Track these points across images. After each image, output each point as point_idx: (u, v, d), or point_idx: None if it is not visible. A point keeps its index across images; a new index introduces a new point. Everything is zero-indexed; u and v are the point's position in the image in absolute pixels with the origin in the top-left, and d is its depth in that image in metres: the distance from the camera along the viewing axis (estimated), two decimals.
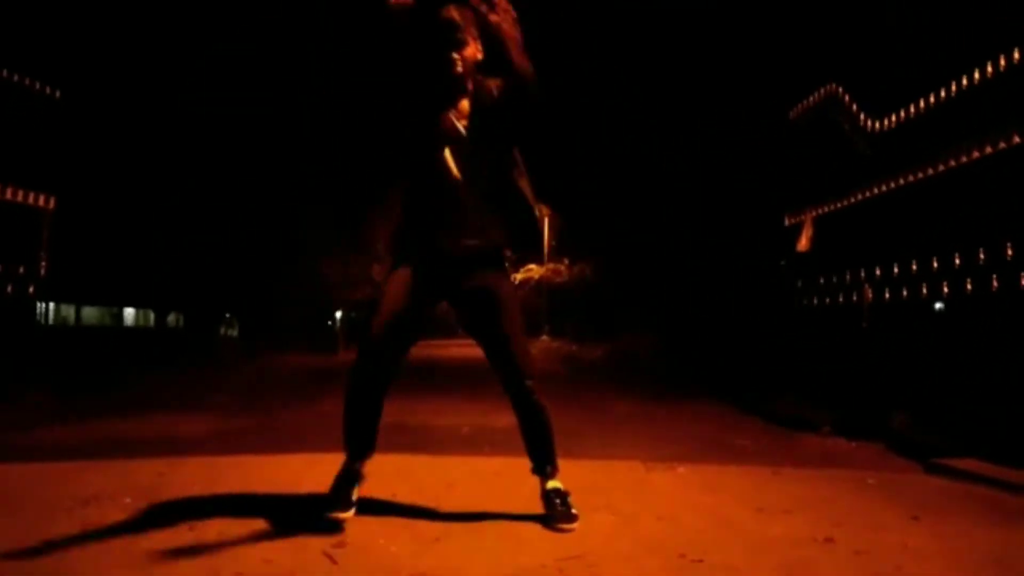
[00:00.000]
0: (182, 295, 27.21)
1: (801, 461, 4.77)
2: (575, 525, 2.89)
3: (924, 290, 6.65)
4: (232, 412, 7.01)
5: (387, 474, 3.62)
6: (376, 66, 2.96)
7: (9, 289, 9.25)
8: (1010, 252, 5.52)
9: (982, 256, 5.84)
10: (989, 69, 5.82)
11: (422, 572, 2.40)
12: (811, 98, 9.22)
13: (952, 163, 6.24)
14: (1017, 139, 5.45)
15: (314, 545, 2.62)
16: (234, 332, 27.51)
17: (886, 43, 7.54)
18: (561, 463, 3.14)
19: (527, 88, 2.91)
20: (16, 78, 9.29)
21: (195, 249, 24.28)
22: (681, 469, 4.23)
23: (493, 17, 2.86)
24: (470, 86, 2.99)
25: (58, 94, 9.96)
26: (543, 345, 28.49)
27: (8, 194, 9.14)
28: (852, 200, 8.08)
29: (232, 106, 21.90)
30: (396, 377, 2.99)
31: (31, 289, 9.69)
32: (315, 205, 24.21)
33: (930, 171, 6.58)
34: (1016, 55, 5.54)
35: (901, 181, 7.07)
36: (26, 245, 9.55)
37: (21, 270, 9.47)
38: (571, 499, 3.00)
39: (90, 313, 32.81)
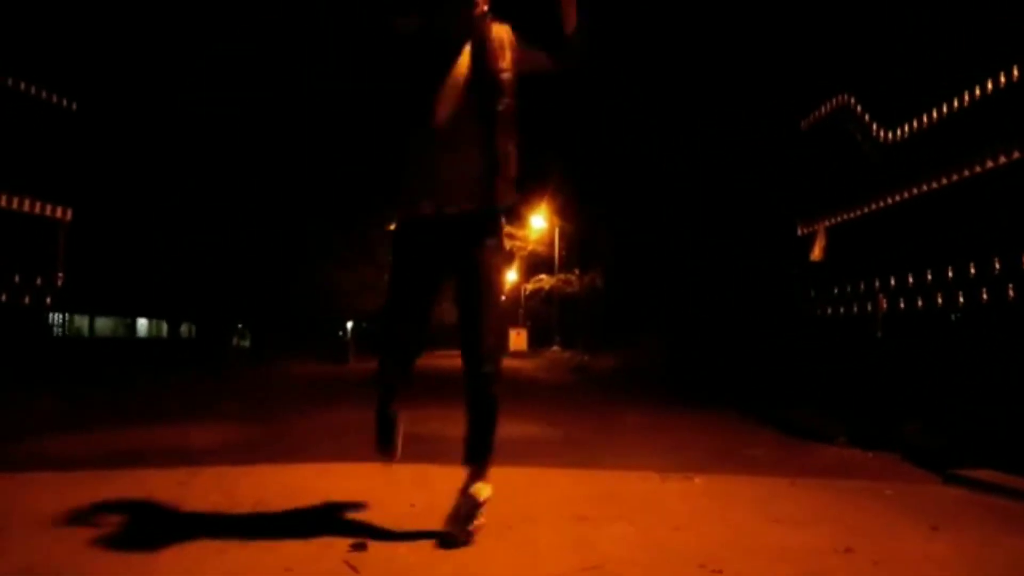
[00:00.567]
0: (194, 305, 27.32)
1: (817, 472, 4.75)
2: (464, 541, 2.72)
3: (939, 300, 6.62)
4: (244, 421, 7.03)
5: (404, 483, 3.63)
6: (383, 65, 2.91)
7: (27, 300, 9.33)
8: None
9: (997, 265, 5.82)
10: (1002, 79, 5.82)
11: None
12: (823, 108, 9.22)
13: (966, 173, 6.23)
14: None
15: (333, 554, 2.62)
16: (246, 342, 27.61)
17: (897, 53, 7.54)
18: (576, 473, 3.14)
19: (570, 51, 2.81)
20: (33, 90, 9.39)
21: (207, 259, 24.40)
22: (697, 479, 4.22)
23: None
24: (484, 31, 2.86)
25: (74, 106, 10.07)
26: (554, 356, 28.47)
27: (27, 206, 9.23)
28: (865, 210, 8.06)
29: (240, 113, 22.03)
30: (421, 349, 3.02)
31: (48, 300, 9.77)
32: (325, 216, 24.32)
33: (944, 181, 6.56)
34: None
35: (915, 191, 7.05)
36: (43, 256, 9.63)
37: (38, 281, 9.55)
38: (480, 520, 2.81)
39: (103, 323, 33.02)
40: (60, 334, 15.03)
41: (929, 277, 6.80)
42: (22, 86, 9.20)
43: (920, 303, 6.95)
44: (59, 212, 9.80)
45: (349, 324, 28.73)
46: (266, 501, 3.46)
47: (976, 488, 4.08)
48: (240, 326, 29.23)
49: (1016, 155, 5.60)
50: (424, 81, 2.85)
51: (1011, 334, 5.67)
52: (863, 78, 8.33)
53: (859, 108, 8.28)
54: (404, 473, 3.74)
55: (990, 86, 5.98)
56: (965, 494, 4.02)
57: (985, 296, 5.97)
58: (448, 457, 4.96)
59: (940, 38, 6.80)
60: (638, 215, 21.91)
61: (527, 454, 4.74)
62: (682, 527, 3.12)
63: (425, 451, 5.07)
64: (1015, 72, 5.69)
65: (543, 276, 33.26)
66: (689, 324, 17.44)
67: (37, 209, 9.42)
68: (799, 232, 9.82)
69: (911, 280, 7.10)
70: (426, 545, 2.77)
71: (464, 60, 2.85)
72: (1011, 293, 5.66)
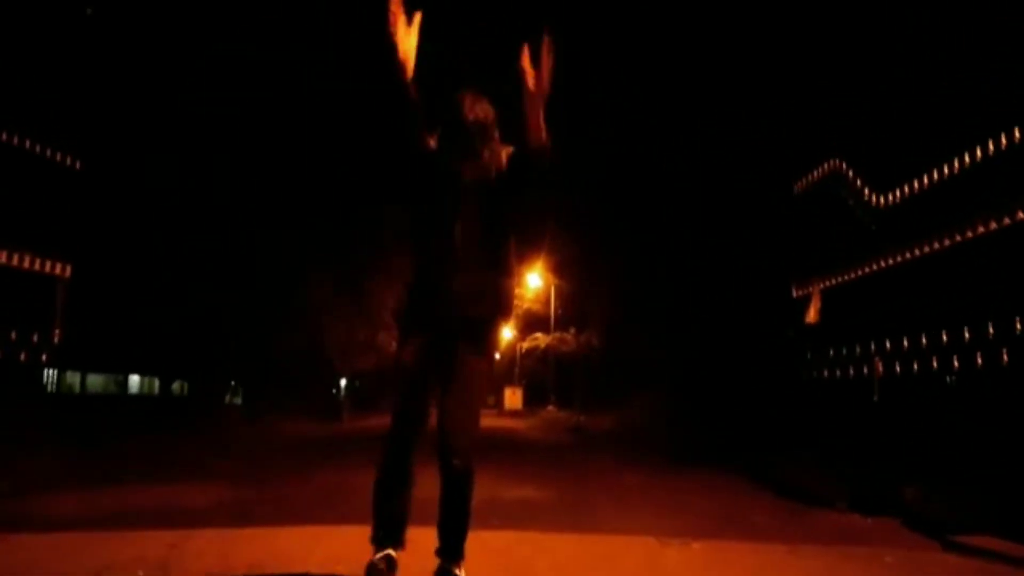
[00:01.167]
0: (187, 363, 27.12)
1: (817, 538, 4.70)
2: None
3: (935, 363, 6.65)
4: (236, 482, 6.95)
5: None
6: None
7: (23, 356, 9.28)
8: (1019, 327, 5.54)
9: (991, 330, 5.87)
10: (991, 147, 5.95)
11: None
12: (815, 172, 9.38)
13: (958, 238, 6.32)
14: (1022, 215, 5.53)
15: None
16: (238, 399, 27.37)
17: (889, 119, 7.71)
18: (574, 538, 3.11)
19: (539, 158, 2.88)
20: (38, 148, 9.51)
21: (199, 316, 24.33)
22: (695, 545, 4.16)
23: (531, 83, 2.77)
24: (483, 151, 2.94)
25: (79, 164, 10.19)
26: (549, 415, 28.25)
27: (27, 262, 9.25)
28: (859, 273, 8.15)
29: (231, 171, 22.20)
30: (418, 441, 2.98)
31: (44, 356, 9.73)
32: (319, 271, 24.36)
33: (936, 245, 6.66)
34: (1017, 133, 5.67)
35: (908, 255, 7.14)
36: (40, 312, 9.61)
37: (35, 338, 9.52)
38: None
39: (95, 380, 32.69)
40: (52, 390, 14.88)
41: (924, 341, 6.84)
42: (27, 144, 9.32)
43: (916, 366, 6.97)
44: (59, 268, 9.83)
45: (343, 382, 28.51)
46: (260, 565, 3.41)
47: (975, 555, 4.04)
48: (232, 383, 29.00)
49: (1007, 221, 5.69)
50: (433, 196, 2.93)
51: (1006, 398, 5.68)
52: (854, 143, 8.50)
53: (851, 173, 8.43)
54: None
55: (979, 153, 6.12)
56: (964, 561, 3.98)
57: (980, 360, 6.00)
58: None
59: (931, 104, 6.97)
60: (635, 276, 22.02)
61: (525, 517, 4.70)
62: None
63: (418, 513, 5.03)
64: (1003, 139, 5.83)
65: (539, 335, 33.15)
66: (687, 385, 17.39)
67: (37, 265, 9.44)
68: (794, 294, 9.89)
69: (906, 344, 7.14)
70: None
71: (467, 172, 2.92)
72: (1006, 358, 5.69)
